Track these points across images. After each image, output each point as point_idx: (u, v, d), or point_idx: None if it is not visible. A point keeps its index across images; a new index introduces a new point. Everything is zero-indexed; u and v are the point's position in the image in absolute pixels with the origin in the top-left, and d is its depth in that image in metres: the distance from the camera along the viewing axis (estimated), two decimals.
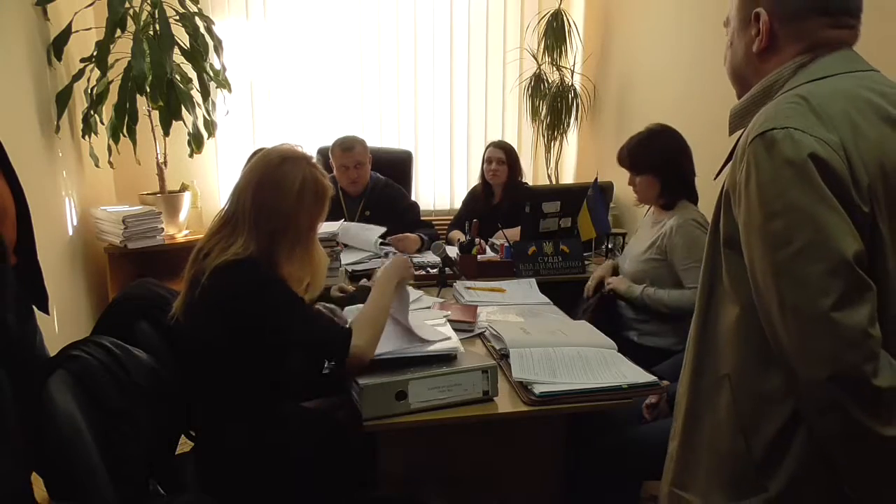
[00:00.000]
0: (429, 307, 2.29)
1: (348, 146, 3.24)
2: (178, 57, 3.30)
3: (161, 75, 3.13)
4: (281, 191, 1.63)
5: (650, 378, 1.73)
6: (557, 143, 4.39)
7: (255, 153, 2.13)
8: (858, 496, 0.98)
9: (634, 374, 1.75)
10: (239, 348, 1.62)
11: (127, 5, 3.08)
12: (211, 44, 3.38)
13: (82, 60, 3.13)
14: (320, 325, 1.67)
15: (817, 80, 1.02)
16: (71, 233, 3.09)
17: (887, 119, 0.98)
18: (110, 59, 3.13)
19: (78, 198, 3.24)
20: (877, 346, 0.90)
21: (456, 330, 2.01)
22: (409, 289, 2.00)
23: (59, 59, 2.97)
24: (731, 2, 1.15)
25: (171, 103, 3.25)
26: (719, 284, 1.09)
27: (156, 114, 3.34)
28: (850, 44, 1.08)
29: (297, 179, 1.63)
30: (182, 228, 3.66)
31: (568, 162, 4.61)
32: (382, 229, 3.07)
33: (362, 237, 3.08)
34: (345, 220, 3.10)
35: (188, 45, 3.33)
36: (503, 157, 3.50)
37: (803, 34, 1.05)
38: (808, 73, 1.03)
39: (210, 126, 3.53)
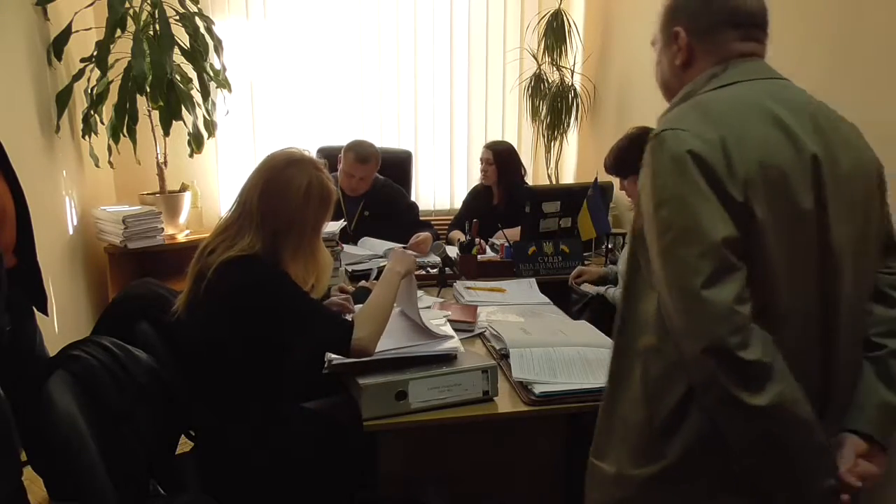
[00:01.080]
0: (429, 307, 2.29)
1: (363, 158, 3.17)
2: (178, 57, 3.30)
3: (161, 75, 3.13)
4: (287, 192, 1.65)
5: None
6: (557, 143, 4.39)
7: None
8: (742, 468, 1.06)
9: None
10: (241, 344, 1.63)
11: (127, 5, 3.08)
12: (211, 44, 3.38)
13: (82, 60, 3.13)
14: (323, 317, 1.68)
15: (723, 87, 1.13)
16: (71, 233, 3.09)
17: (775, 121, 1.07)
18: (110, 59, 3.13)
19: (78, 198, 3.24)
20: (744, 321, 0.99)
21: (456, 330, 2.01)
22: None
23: (59, 59, 2.97)
24: (655, 23, 1.29)
25: (171, 103, 3.24)
26: (638, 273, 1.17)
27: (156, 114, 3.34)
28: (760, 55, 1.19)
29: (304, 182, 1.66)
30: (182, 228, 3.66)
31: (568, 162, 4.61)
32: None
33: (372, 243, 3.10)
34: (344, 221, 3.10)
35: (188, 45, 3.33)
36: (490, 158, 3.50)
37: (716, 47, 1.18)
38: (718, 80, 1.15)
39: (210, 126, 3.53)
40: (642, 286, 1.15)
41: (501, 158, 3.50)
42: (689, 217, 1.01)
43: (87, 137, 3.20)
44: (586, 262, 2.93)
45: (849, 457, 1.10)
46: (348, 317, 1.77)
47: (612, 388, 1.22)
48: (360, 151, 3.18)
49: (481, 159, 3.54)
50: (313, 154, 1.79)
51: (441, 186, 4.52)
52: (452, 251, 2.94)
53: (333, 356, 1.75)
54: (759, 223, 1.01)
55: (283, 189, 1.65)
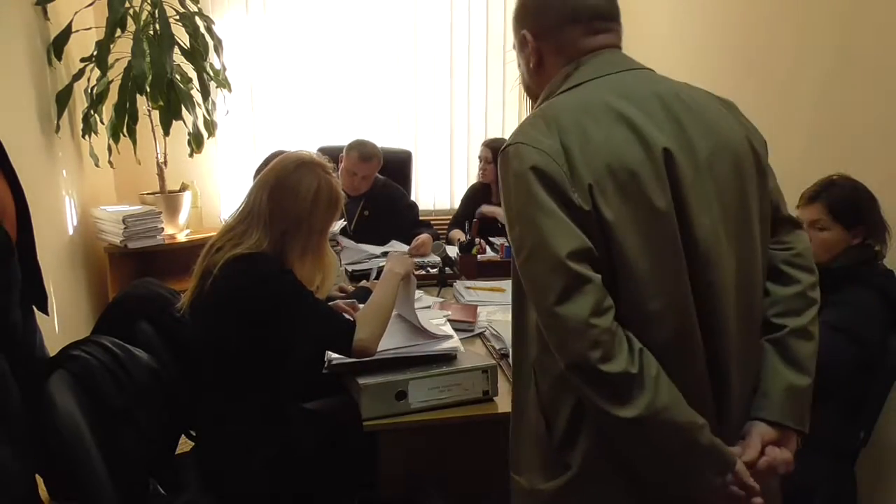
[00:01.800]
0: (429, 307, 2.29)
1: (367, 157, 3.17)
2: (178, 57, 3.30)
3: (161, 75, 3.13)
4: (297, 194, 1.67)
5: None
6: None
7: (273, 155, 2.17)
8: (644, 475, 1.05)
9: None
10: (245, 341, 1.63)
11: (127, 5, 3.09)
12: (211, 43, 3.38)
13: (82, 60, 3.13)
14: (327, 316, 1.69)
15: (573, 88, 1.10)
16: (71, 233, 3.09)
17: (622, 120, 1.03)
18: (110, 59, 3.13)
19: (78, 198, 3.24)
20: (603, 334, 0.96)
21: (456, 330, 2.01)
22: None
23: (59, 59, 2.97)
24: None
25: (171, 103, 3.25)
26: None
27: (156, 113, 3.34)
28: (613, 45, 1.15)
29: (314, 184, 1.68)
30: (182, 228, 3.66)
31: None
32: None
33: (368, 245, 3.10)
34: (344, 220, 3.10)
35: (188, 45, 3.33)
36: (489, 156, 3.51)
37: (562, 47, 1.14)
38: (570, 81, 1.12)
39: (210, 126, 3.53)
40: (527, 300, 1.11)
41: None
42: (535, 235, 0.99)
43: (87, 137, 3.20)
44: None
45: (754, 446, 1.06)
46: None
47: (515, 395, 1.19)
48: (364, 150, 3.19)
49: (479, 157, 3.56)
50: (313, 153, 1.81)
51: (441, 186, 4.52)
52: (452, 251, 2.94)
53: (333, 356, 1.75)
54: (611, 227, 0.99)
55: (292, 190, 1.67)
